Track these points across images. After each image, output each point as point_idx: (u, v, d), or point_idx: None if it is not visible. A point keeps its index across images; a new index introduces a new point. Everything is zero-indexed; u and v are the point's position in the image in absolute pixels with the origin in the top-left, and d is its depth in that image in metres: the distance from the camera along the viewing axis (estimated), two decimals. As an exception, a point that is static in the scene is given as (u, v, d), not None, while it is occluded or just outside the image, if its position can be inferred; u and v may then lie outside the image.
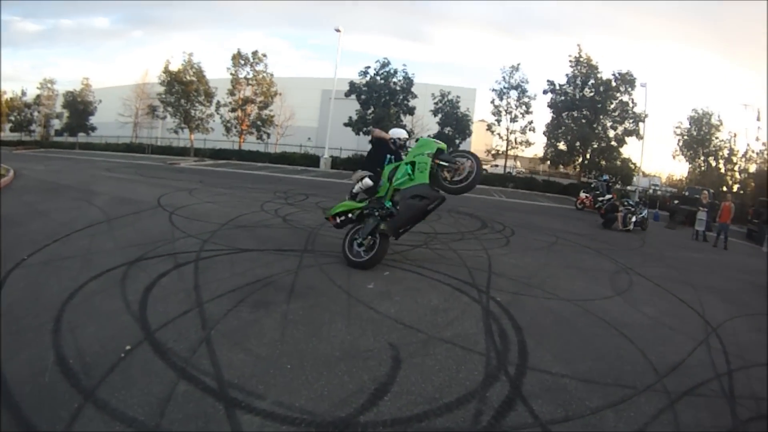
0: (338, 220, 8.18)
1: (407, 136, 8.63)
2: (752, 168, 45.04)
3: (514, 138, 41.33)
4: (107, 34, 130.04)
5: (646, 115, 37.62)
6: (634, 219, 18.18)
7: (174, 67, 44.15)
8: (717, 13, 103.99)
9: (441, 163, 7.25)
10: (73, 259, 6.96)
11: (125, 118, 57.38)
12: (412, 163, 7.37)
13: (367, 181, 8.03)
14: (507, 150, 42.14)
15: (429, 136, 9.02)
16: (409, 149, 7.96)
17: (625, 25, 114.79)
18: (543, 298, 7.06)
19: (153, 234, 8.85)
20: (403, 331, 5.23)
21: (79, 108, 54.67)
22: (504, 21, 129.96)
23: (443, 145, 7.54)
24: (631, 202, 20.05)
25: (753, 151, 44.80)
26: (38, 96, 64.88)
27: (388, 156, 8.35)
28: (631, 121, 37.55)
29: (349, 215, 8.07)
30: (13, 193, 13.64)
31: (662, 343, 5.80)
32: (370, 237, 7.59)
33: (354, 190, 8.34)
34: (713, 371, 5.12)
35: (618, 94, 37.71)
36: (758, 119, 44.68)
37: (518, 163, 52.13)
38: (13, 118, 67.04)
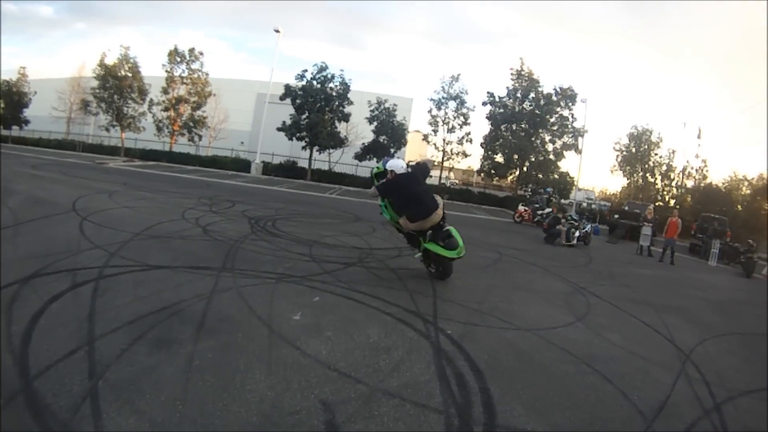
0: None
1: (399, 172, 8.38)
2: (689, 184, 47.57)
3: (451, 149, 41.16)
4: (50, 23, 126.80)
5: (585, 131, 38.19)
6: (577, 234, 18.05)
7: (110, 60, 42.60)
8: (659, 25, 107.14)
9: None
10: None
11: (59, 113, 55.92)
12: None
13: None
14: (443, 160, 41.87)
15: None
16: None
17: (568, 39, 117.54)
18: (499, 328, 6.29)
19: (58, 243, 7.84)
20: (338, 382, 4.19)
21: (14, 99, 52.08)
22: (444, 32, 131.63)
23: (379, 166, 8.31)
24: (574, 216, 20.00)
25: (692, 168, 47.33)
26: None
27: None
28: (570, 135, 38.10)
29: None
30: None
31: (640, 378, 5.31)
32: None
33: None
34: (701, 408, 4.81)
35: (558, 109, 38.23)
36: (699, 137, 47.55)
37: (452, 175, 52.08)
38: None
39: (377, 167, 8.82)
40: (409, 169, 8.20)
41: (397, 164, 8.32)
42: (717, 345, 7.20)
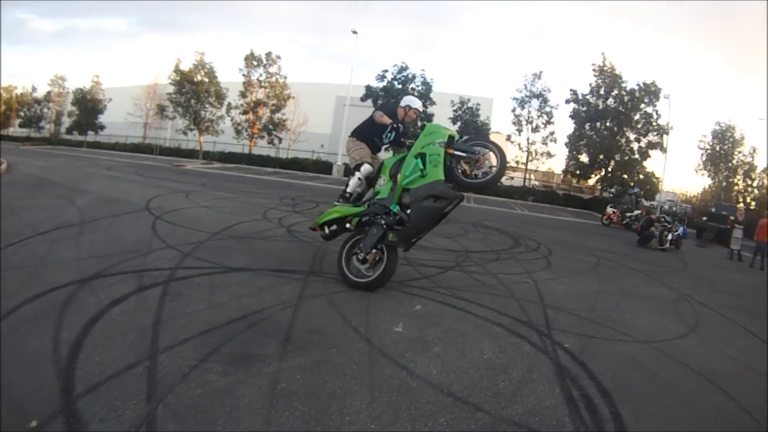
0: (328, 230, 6.75)
1: (420, 110, 7.44)
2: None
3: (535, 149, 40.26)
4: (122, 36, 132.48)
5: (670, 128, 36.63)
6: (670, 237, 17.05)
7: (185, 66, 43.24)
8: (733, 25, 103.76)
9: (457, 153, 5.85)
10: (19, 270, 5.55)
11: (135, 118, 57.37)
12: (422, 156, 5.87)
13: (368, 168, 6.84)
14: (527, 161, 40.97)
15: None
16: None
17: (647, 35, 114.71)
18: (616, 340, 5.60)
19: (126, 242, 7.37)
20: (454, 410, 3.45)
21: (89, 106, 54.45)
22: (521, 31, 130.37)
23: (454, 132, 6.16)
24: (667, 219, 18.94)
25: None
26: (49, 92, 66.84)
27: (386, 137, 7.25)
28: (655, 133, 36.68)
29: (345, 224, 6.59)
30: None
31: (761, 395, 4.69)
32: (375, 250, 6.04)
33: (348, 190, 6.94)
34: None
35: (642, 105, 36.83)
36: None
37: (533, 176, 50.99)
38: (23, 114, 67.86)
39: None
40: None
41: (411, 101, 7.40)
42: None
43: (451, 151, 5.80)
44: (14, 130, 71.82)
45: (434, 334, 4.91)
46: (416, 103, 7.26)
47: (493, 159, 5.77)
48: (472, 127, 37.11)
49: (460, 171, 5.84)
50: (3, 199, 10.33)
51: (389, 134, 7.13)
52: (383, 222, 5.99)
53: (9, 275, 5.32)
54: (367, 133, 7.24)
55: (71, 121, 56.44)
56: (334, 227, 6.66)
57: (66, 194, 12.03)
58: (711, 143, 47.52)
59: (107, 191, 13.53)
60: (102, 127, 54.54)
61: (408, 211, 5.91)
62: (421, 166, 5.78)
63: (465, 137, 36.26)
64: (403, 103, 7.25)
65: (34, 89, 70.55)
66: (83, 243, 7.14)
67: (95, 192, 13.02)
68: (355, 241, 6.33)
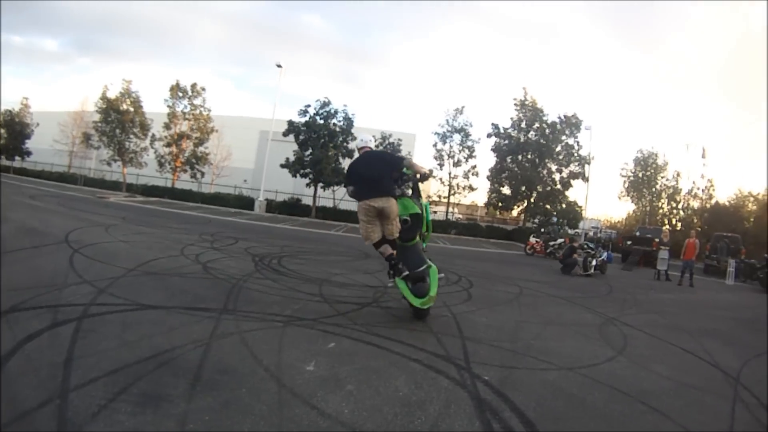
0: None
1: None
2: (695, 205, 48.24)
3: (457, 183, 41.10)
4: (53, 57, 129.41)
5: (592, 158, 38.27)
6: (594, 262, 17.67)
7: (112, 94, 42.93)
8: (655, 40, 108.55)
9: None
10: None
11: (61, 146, 55.98)
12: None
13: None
14: (450, 195, 41.70)
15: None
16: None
17: (566, 67, 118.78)
18: (539, 369, 5.61)
19: (43, 276, 7.29)
20: (368, 450, 3.44)
21: (17, 129, 52.68)
22: (444, 66, 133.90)
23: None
24: (590, 245, 19.89)
25: (698, 188, 47.77)
26: None
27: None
28: (576, 163, 38.19)
29: None
30: None
31: (697, 410, 4.96)
32: None
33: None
34: (767, 432, 4.50)
35: (564, 137, 38.39)
36: (703, 156, 48.10)
37: (456, 210, 51.98)
38: None
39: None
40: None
41: (366, 137, 7.87)
42: (761, 364, 7.05)
43: None
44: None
45: (347, 371, 4.81)
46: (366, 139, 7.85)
47: None
48: (393, 162, 37.49)
49: None
50: None
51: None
52: None
53: None
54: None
55: (-1, 143, 55.12)
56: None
57: (-13, 223, 11.73)
58: (633, 170, 49.22)
59: (29, 221, 13.41)
60: (29, 153, 53.05)
61: None
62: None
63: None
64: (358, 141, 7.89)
65: (-40, 107, 68.27)
66: (2, 274, 6.99)
67: (17, 221, 12.93)
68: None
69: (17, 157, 52.73)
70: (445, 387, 4.68)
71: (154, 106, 51.43)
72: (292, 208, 39.52)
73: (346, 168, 7.72)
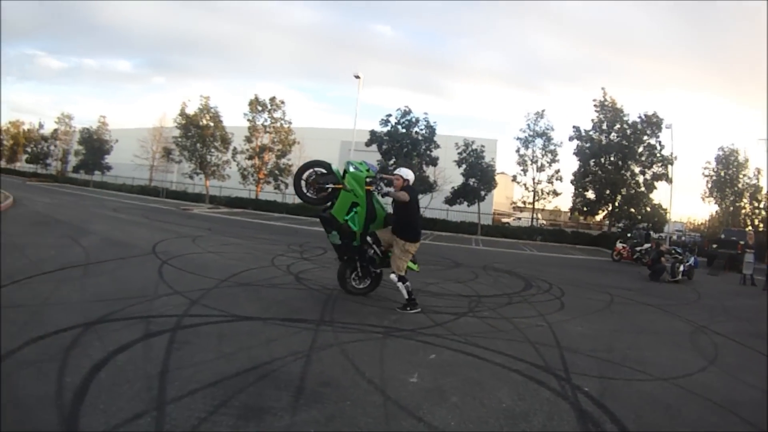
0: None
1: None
2: None
3: (541, 188, 40.12)
4: (128, 78, 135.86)
5: (674, 158, 36.50)
6: (681, 268, 17.02)
7: (190, 110, 43.64)
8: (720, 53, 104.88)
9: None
10: (21, 309, 5.63)
11: (141, 160, 57.16)
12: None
13: None
14: (534, 201, 40.79)
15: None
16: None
17: (639, 71, 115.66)
18: (636, 380, 5.52)
19: (132, 287, 7.37)
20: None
21: (95, 146, 54.63)
22: (521, 73, 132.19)
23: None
24: (678, 250, 19.15)
25: None
26: (56, 130, 67.90)
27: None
28: (659, 164, 36.39)
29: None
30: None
31: None
32: None
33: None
34: None
35: (645, 137, 36.68)
36: None
37: (540, 216, 50.96)
38: (29, 150, 69.01)
39: (359, 168, 8.10)
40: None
41: (410, 174, 8.03)
42: None
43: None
44: (21, 165, 73.41)
45: (450, 383, 4.77)
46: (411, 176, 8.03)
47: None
48: (477, 169, 36.71)
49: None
50: (7, 235, 10.46)
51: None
52: None
53: (11, 314, 5.33)
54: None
55: (78, 159, 56.85)
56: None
57: (71, 233, 12.10)
58: (716, 169, 46.93)
59: (113, 233, 13.66)
60: (109, 168, 54.85)
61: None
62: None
63: (471, 180, 37.33)
64: (404, 175, 7.96)
65: (41, 126, 72.41)
66: (88, 285, 7.16)
67: (101, 233, 13.16)
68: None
69: (97, 172, 54.71)
70: (547, 398, 4.65)
71: (234, 120, 52.43)
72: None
73: (410, 197, 7.74)
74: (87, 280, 7.50)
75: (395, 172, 7.97)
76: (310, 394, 4.10)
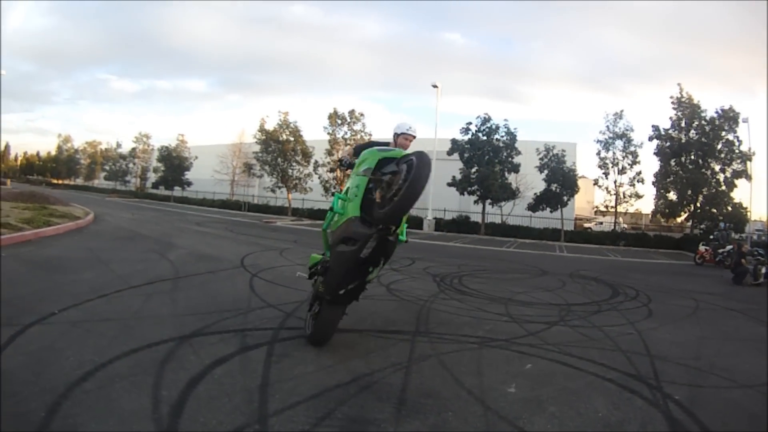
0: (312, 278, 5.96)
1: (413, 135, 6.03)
2: None
3: (623, 191, 39.15)
4: (203, 96, 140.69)
5: (753, 153, 35.30)
6: (764, 270, 16.41)
7: (269, 126, 44.87)
8: None
9: (375, 179, 4.96)
10: (112, 323, 5.74)
11: (221, 175, 58.82)
12: (347, 189, 5.19)
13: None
14: (617, 205, 39.95)
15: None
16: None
17: (713, 65, 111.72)
18: (723, 387, 5.53)
19: (224, 300, 7.46)
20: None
21: (174, 162, 56.93)
22: (596, 74, 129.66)
23: (393, 153, 5.29)
24: (760, 251, 18.72)
25: None
26: (133, 149, 70.42)
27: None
28: (738, 161, 35.29)
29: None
30: (81, 237, 13.62)
31: None
32: (316, 303, 5.60)
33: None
34: None
35: (723, 133, 35.58)
36: None
37: (621, 220, 49.77)
38: (108, 168, 71.87)
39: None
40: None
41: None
42: None
43: (377, 177, 4.97)
44: (99, 182, 76.80)
45: (547, 393, 4.81)
46: (401, 128, 5.95)
47: (402, 175, 4.66)
48: (559, 174, 36.45)
49: (376, 202, 4.86)
50: (89, 250, 10.88)
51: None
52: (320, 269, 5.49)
53: (101, 327, 5.45)
54: None
55: (157, 176, 59.15)
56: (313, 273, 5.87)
57: (156, 248, 12.38)
58: None
59: (199, 246, 13.96)
60: (189, 183, 56.89)
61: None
62: (344, 200, 5.08)
63: (554, 185, 37.16)
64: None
65: (119, 145, 75.47)
66: (179, 299, 7.26)
67: (187, 247, 13.41)
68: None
69: (177, 187, 56.78)
70: (640, 407, 4.69)
71: (313, 133, 53.25)
72: (460, 225, 39.35)
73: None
74: (177, 294, 7.61)
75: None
76: (412, 405, 4.12)
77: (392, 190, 4.63)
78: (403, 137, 5.87)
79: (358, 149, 5.83)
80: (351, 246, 4.78)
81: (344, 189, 5.33)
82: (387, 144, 5.88)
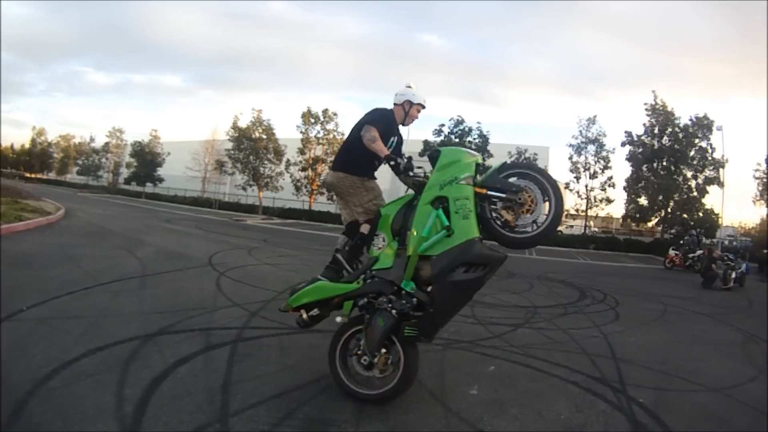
0: (306, 316, 4.55)
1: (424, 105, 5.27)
2: None
3: (594, 195, 39.96)
4: (178, 92, 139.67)
5: (726, 161, 36.13)
6: (734, 275, 16.95)
7: (243, 123, 44.87)
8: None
9: (491, 194, 4.11)
10: (79, 320, 5.73)
11: (193, 172, 58.33)
12: (443, 203, 4.07)
13: (344, 239, 5.23)
14: (587, 209, 40.63)
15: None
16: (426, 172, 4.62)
17: (688, 73, 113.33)
18: (689, 390, 5.60)
19: (190, 299, 7.47)
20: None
21: (147, 158, 56.65)
22: (572, 79, 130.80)
23: (480, 158, 4.47)
24: (729, 256, 19.04)
25: None
26: (107, 143, 70.16)
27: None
28: (711, 168, 36.17)
29: (332, 307, 4.53)
30: (52, 233, 13.83)
31: None
32: (384, 350, 4.17)
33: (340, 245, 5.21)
34: None
35: (696, 140, 36.44)
36: None
37: (592, 223, 50.37)
38: (80, 162, 71.19)
39: None
40: None
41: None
42: None
43: (484, 191, 4.11)
44: (72, 177, 75.91)
45: (510, 395, 4.85)
46: (418, 98, 5.19)
47: (539, 197, 4.05)
48: (531, 178, 36.73)
49: (500, 222, 4.12)
50: (60, 246, 10.94)
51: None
52: (392, 308, 4.10)
53: (68, 325, 5.45)
54: (361, 161, 5.05)
55: (130, 172, 58.87)
56: (315, 312, 4.53)
57: (125, 245, 12.36)
58: (767, 171, 45.73)
59: (168, 244, 13.90)
60: (161, 180, 56.65)
61: (429, 289, 4.17)
62: (446, 221, 3.99)
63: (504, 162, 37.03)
64: (398, 99, 5.22)
65: (92, 139, 74.84)
66: (145, 297, 7.28)
67: (156, 244, 13.38)
68: (353, 333, 4.42)
69: (148, 183, 56.50)
70: (603, 410, 4.72)
71: (286, 132, 53.24)
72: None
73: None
74: (144, 291, 7.62)
75: None
76: (373, 406, 4.13)
77: (529, 215, 4.06)
78: (416, 108, 5.20)
79: (375, 117, 5.00)
80: (474, 273, 3.95)
81: (426, 203, 4.21)
82: (390, 111, 5.20)
